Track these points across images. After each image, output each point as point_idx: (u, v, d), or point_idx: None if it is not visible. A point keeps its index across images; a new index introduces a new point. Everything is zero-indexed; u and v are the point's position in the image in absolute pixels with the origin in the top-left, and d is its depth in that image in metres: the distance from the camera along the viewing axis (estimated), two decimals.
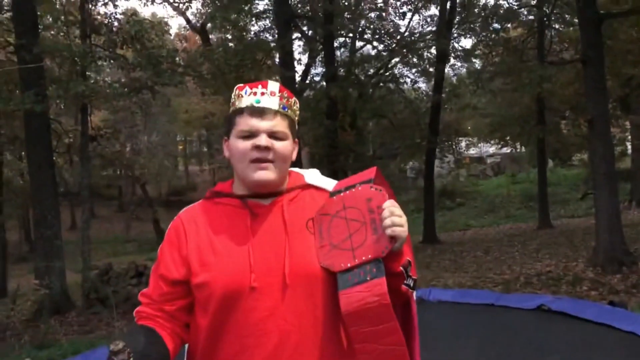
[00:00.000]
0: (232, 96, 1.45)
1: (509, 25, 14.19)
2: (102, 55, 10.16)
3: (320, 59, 16.28)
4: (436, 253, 12.44)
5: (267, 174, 1.38)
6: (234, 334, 1.34)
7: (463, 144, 24.72)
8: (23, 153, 13.55)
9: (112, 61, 10.57)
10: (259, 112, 1.38)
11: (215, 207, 1.45)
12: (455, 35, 15.34)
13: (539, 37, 13.89)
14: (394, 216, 1.30)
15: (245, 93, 1.41)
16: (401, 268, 1.34)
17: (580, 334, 4.64)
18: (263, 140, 1.36)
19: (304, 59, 17.03)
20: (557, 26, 14.63)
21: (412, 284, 1.36)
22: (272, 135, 1.38)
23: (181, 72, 10.90)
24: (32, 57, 8.33)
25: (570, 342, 4.49)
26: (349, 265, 1.30)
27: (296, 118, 1.47)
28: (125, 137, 20.09)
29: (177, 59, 11.28)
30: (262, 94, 1.40)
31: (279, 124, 1.39)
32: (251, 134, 1.37)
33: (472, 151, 29.42)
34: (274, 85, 1.42)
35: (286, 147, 1.40)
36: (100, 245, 21.80)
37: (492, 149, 28.89)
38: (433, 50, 14.99)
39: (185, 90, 12.57)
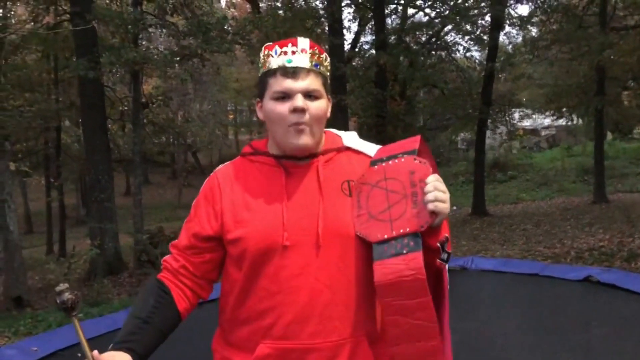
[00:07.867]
0: (261, 57, 1.41)
1: None
2: (152, 22, 10.29)
3: (370, 26, 16.02)
4: (485, 225, 12.23)
5: (305, 139, 1.35)
6: (264, 291, 1.34)
7: (516, 115, 23.94)
8: (80, 120, 14.00)
9: (163, 29, 10.70)
10: (291, 72, 1.34)
11: (251, 165, 1.45)
12: (511, 1, 14.76)
13: (602, 2, 13.18)
14: (438, 191, 1.26)
15: (275, 53, 1.37)
16: (438, 244, 1.30)
17: (631, 307, 4.48)
18: (299, 101, 1.33)
19: (354, 27, 16.81)
20: None
21: (446, 258, 1.32)
22: (307, 94, 1.34)
23: (230, 40, 10.92)
24: (85, 23, 8.52)
25: (619, 315, 4.35)
26: (385, 236, 1.27)
27: (328, 74, 1.43)
28: (176, 105, 20.42)
29: (227, 26, 11.30)
30: (293, 52, 1.36)
31: (313, 83, 1.35)
32: (285, 95, 1.34)
33: (526, 123, 28.50)
34: (304, 42, 1.38)
35: (321, 107, 1.37)
36: (153, 211, 22.49)
37: (547, 121, 27.92)
38: (487, 18, 14.51)
39: (235, 59, 12.62)
